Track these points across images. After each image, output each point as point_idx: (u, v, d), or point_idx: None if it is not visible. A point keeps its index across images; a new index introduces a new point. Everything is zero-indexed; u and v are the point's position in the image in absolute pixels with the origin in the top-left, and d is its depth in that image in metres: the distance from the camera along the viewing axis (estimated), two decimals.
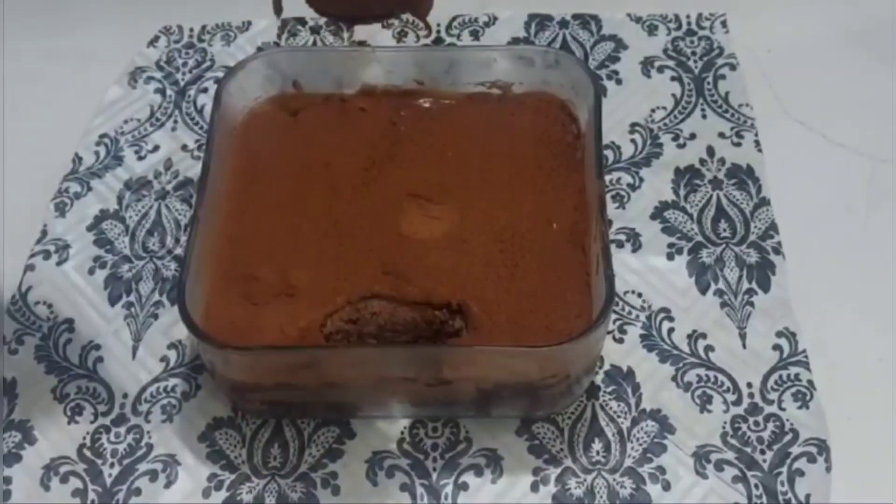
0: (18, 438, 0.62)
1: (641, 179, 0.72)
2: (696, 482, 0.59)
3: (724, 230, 0.69)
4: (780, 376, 0.63)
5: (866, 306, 0.66)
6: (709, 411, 0.62)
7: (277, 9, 0.55)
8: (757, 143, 0.73)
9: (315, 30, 0.82)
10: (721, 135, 0.74)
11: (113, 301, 0.68)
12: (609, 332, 0.64)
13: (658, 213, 0.70)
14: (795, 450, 0.60)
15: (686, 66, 0.78)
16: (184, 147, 0.75)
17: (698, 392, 0.63)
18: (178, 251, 0.70)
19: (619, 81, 0.78)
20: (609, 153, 0.73)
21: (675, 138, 0.74)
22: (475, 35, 0.81)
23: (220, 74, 0.78)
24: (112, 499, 0.60)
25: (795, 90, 0.77)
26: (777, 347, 0.64)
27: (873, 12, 0.81)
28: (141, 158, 0.75)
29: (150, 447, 0.62)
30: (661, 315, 0.66)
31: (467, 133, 0.69)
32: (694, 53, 0.79)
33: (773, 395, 0.62)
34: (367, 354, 0.60)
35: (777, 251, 0.68)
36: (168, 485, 0.61)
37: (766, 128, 0.74)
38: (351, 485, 0.60)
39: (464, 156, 0.67)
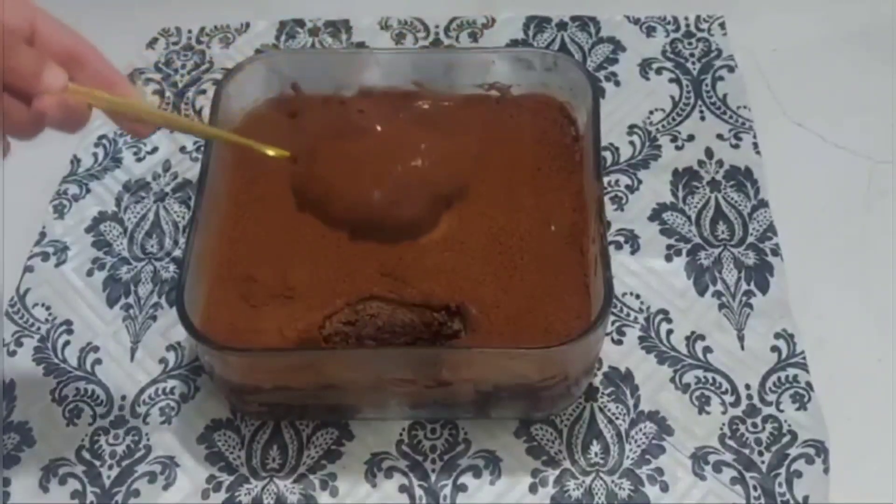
0: (17, 440, 0.62)
1: (640, 181, 0.72)
2: (695, 483, 0.59)
3: (723, 232, 0.69)
4: (779, 378, 0.63)
5: (865, 308, 0.66)
6: (707, 413, 0.62)
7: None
8: (755, 144, 0.73)
9: (313, 32, 0.82)
10: (719, 136, 0.74)
11: (111, 303, 0.68)
12: (607, 334, 0.64)
13: (656, 215, 0.70)
14: (794, 451, 0.60)
15: (684, 68, 0.78)
16: (182, 149, 0.75)
17: (697, 393, 0.63)
18: (177, 253, 0.70)
19: (617, 83, 0.78)
20: (607, 155, 0.73)
21: (674, 140, 0.74)
22: (473, 37, 0.81)
23: (219, 76, 0.78)
24: (111, 500, 0.60)
25: (794, 91, 0.77)
26: (775, 349, 0.64)
27: (872, 14, 0.81)
28: (139, 160, 0.75)
29: (148, 449, 0.62)
30: (660, 316, 0.66)
31: (466, 135, 0.68)
32: (692, 55, 0.79)
33: (772, 397, 0.62)
34: (366, 356, 0.60)
35: (775, 253, 0.68)
36: (167, 486, 0.61)
37: (765, 129, 0.74)
38: (349, 486, 0.60)
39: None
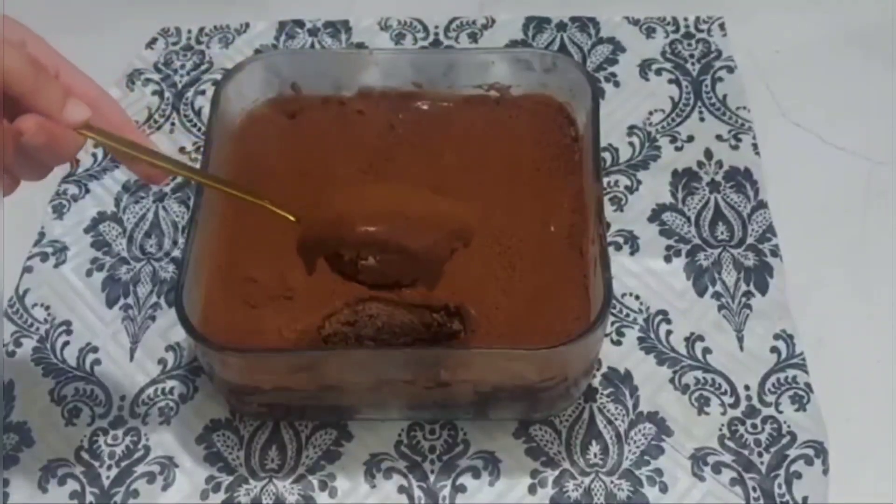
0: (16, 440, 0.62)
1: (639, 182, 0.72)
2: (694, 484, 0.59)
3: (722, 233, 0.69)
4: (778, 379, 0.63)
5: (864, 309, 0.66)
6: (706, 413, 0.62)
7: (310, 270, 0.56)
8: (755, 145, 0.73)
9: (313, 32, 0.82)
10: (719, 137, 0.74)
11: (110, 303, 0.68)
12: (607, 335, 0.64)
13: (656, 216, 0.70)
14: (793, 452, 0.60)
15: (684, 69, 0.78)
16: (182, 149, 0.75)
17: (696, 394, 0.63)
18: (176, 253, 0.70)
19: (616, 84, 0.78)
20: (607, 155, 0.73)
21: (673, 141, 0.74)
22: (473, 38, 0.81)
23: (219, 76, 0.78)
24: (110, 501, 0.60)
25: (793, 92, 0.77)
26: (775, 350, 0.64)
27: (870, 15, 0.81)
28: None
29: (147, 449, 0.62)
30: (659, 317, 0.66)
31: (465, 136, 0.69)
32: (692, 56, 0.79)
33: (771, 398, 0.62)
34: (365, 357, 0.60)
35: (775, 254, 0.68)
36: (166, 487, 0.61)
37: (764, 130, 0.74)
38: (348, 487, 0.60)
39: (462, 158, 0.67)
